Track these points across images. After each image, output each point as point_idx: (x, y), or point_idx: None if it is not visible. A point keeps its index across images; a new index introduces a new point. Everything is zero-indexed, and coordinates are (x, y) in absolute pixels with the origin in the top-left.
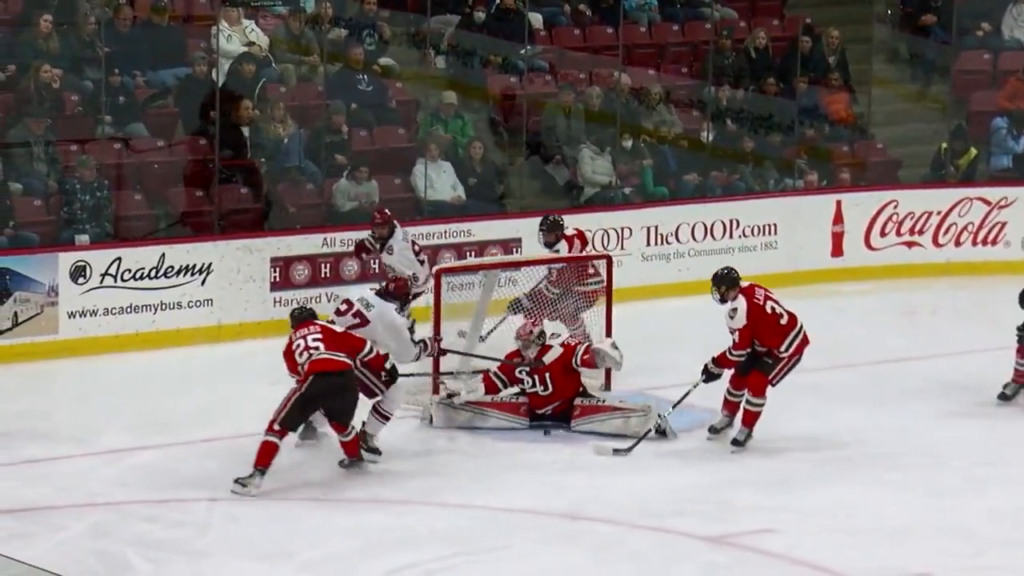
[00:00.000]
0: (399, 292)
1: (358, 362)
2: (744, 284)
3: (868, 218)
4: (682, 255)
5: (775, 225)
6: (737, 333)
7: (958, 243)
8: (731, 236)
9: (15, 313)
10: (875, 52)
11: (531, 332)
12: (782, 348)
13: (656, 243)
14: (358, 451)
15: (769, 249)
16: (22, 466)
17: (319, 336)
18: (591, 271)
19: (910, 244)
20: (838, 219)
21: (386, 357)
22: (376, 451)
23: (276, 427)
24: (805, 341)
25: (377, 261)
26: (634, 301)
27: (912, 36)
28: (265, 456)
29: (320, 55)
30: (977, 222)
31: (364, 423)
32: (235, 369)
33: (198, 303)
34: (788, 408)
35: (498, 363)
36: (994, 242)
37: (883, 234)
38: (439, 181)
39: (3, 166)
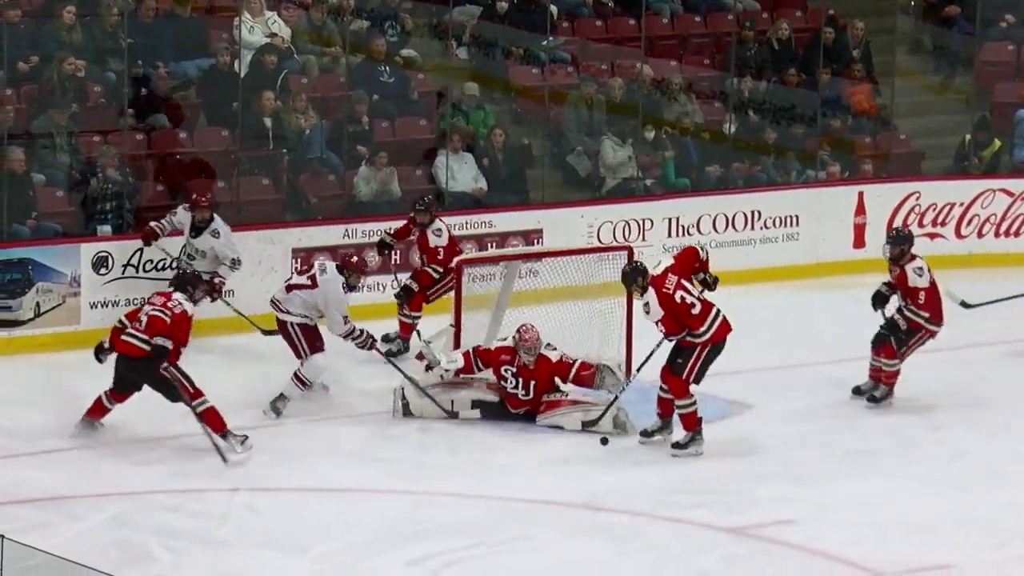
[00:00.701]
0: (348, 266)
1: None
2: (656, 272)
3: (890, 209)
4: (703, 247)
5: (797, 217)
6: (660, 324)
7: (980, 235)
8: (753, 228)
9: (37, 304)
10: (898, 43)
11: (538, 340)
12: (701, 329)
13: (678, 234)
14: (218, 424)
15: (791, 240)
16: (43, 456)
17: (152, 312)
18: (457, 248)
19: (932, 235)
20: (860, 210)
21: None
22: (276, 411)
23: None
24: (725, 327)
25: (396, 252)
26: None
27: (936, 27)
28: (92, 408)
29: (342, 46)
30: (1000, 214)
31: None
32: (256, 360)
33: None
34: (808, 400)
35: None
36: (1017, 233)
37: (905, 225)
38: (461, 172)
39: (26, 157)
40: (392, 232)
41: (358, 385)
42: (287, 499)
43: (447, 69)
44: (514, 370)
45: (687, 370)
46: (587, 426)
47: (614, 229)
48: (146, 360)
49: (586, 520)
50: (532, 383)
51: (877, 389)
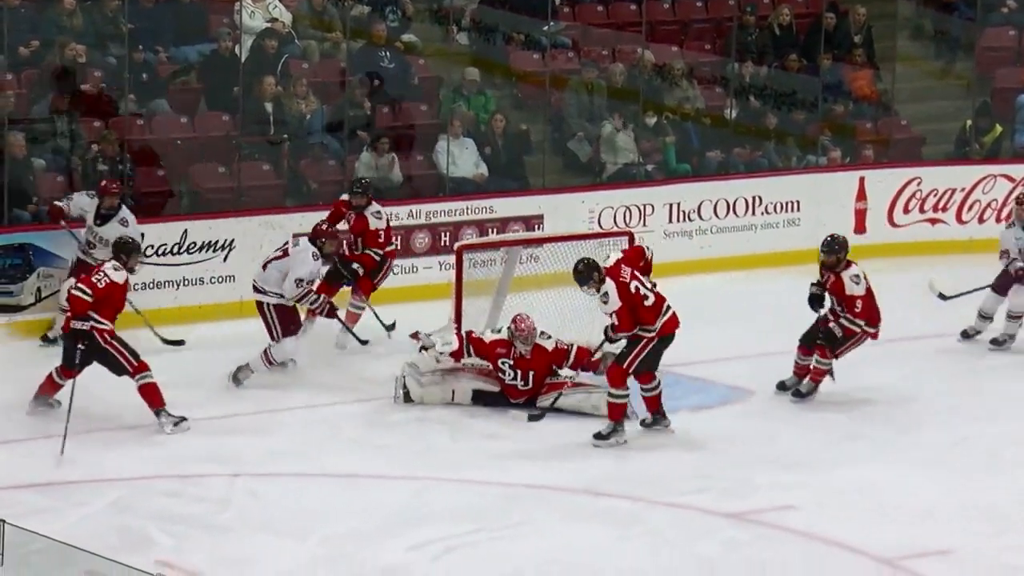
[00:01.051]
0: (320, 234)
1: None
2: (608, 264)
3: (891, 195)
4: (704, 232)
5: (798, 202)
6: (615, 315)
7: (981, 220)
8: (754, 213)
9: (38, 288)
10: (900, 29)
11: (533, 329)
12: (655, 324)
13: (678, 220)
14: (156, 401)
15: (792, 226)
16: (44, 441)
17: (72, 291)
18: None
19: (933, 221)
20: (861, 196)
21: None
22: (237, 381)
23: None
24: (674, 321)
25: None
26: (656, 278)
27: (937, 13)
28: (43, 385)
29: (343, 31)
30: (1001, 199)
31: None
32: (256, 346)
33: (220, 279)
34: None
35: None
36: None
37: (906, 211)
38: (461, 158)
39: (26, 142)
40: (325, 220)
41: (359, 371)
42: (288, 484)
43: (448, 54)
44: (511, 362)
45: (628, 360)
46: (533, 419)
47: (615, 214)
48: (66, 336)
49: (587, 505)
50: (530, 373)
51: (803, 385)
